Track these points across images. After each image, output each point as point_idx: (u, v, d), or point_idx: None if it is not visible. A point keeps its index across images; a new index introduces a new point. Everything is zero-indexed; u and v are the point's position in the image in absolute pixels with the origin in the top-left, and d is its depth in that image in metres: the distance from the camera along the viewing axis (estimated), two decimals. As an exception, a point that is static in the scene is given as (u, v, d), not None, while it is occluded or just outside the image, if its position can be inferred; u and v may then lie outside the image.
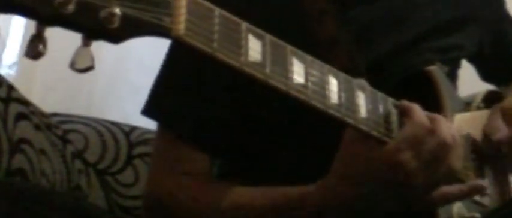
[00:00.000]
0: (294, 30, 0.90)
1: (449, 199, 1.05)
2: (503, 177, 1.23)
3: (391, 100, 1.00)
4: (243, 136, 1.19)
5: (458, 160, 1.00)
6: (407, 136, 0.96)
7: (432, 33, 1.26)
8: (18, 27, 2.03)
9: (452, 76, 1.30)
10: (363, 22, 1.22)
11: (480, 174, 1.16)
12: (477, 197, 1.14)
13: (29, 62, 2.11)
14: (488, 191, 1.16)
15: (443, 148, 0.97)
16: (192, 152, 1.16)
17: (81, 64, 0.71)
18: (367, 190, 0.99)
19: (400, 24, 1.25)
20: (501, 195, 1.20)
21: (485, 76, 1.50)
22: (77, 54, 0.71)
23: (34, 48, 0.68)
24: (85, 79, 2.19)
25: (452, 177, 1.02)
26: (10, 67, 2.07)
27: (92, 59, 0.71)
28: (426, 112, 0.99)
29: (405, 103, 1.00)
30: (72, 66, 0.70)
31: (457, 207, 1.10)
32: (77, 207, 1.01)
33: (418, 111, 0.98)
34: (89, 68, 0.71)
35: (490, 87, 1.38)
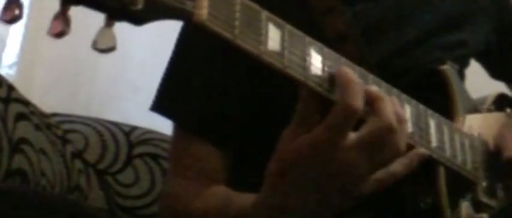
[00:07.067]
0: (302, 26, 0.89)
1: (398, 177, 0.93)
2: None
3: (404, 97, 1.00)
4: (252, 131, 1.18)
5: (404, 138, 0.90)
6: (330, 124, 0.85)
7: (440, 29, 1.24)
8: (18, 27, 2.01)
9: (461, 75, 1.28)
10: (370, 18, 1.20)
11: (490, 175, 1.15)
12: (485, 199, 1.13)
13: (29, 62, 2.12)
14: (498, 193, 1.16)
15: (387, 132, 0.87)
16: (201, 148, 1.15)
17: (103, 45, 0.70)
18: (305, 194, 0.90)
19: (408, 20, 1.23)
20: (509, 196, 1.20)
21: (494, 72, 1.48)
22: (100, 34, 0.70)
23: (57, 26, 0.67)
24: (85, 79, 2.20)
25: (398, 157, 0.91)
26: (10, 67, 2.06)
27: (114, 39, 0.70)
28: (369, 88, 0.89)
29: (342, 70, 0.87)
30: (95, 46, 0.70)
31: (465, 207, 1.09)
32: (76, 210, 0.99)
33: (352, 88, 0.85)
34: (111, 48, 0.70)
35: (496, 89, 1.36)
